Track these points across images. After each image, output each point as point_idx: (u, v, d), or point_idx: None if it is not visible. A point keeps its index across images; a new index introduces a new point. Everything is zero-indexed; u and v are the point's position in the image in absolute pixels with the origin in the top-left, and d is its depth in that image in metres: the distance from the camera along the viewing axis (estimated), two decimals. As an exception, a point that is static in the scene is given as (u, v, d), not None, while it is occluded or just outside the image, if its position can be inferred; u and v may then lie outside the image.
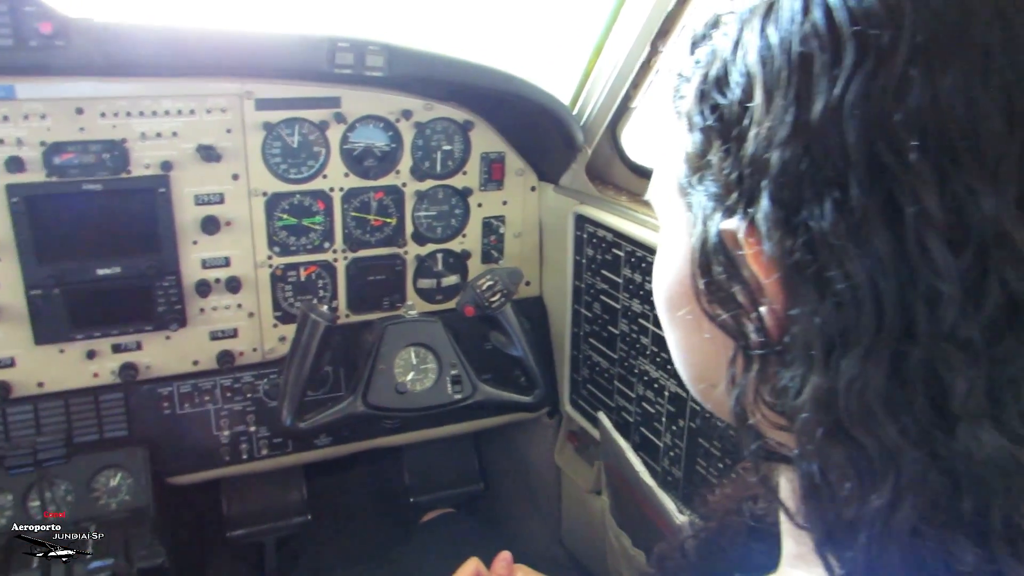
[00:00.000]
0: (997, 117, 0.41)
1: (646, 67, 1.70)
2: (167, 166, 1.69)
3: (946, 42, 0.42)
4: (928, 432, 0.44)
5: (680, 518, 1.46)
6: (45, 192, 1.60)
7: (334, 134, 1.83)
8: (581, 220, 1.85)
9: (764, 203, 0.47)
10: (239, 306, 1.85)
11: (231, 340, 1.86)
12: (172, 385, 1.83)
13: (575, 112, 1.91)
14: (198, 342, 1.83)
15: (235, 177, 1.76)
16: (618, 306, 1.74)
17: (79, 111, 1.60)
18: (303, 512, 2.22)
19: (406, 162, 1.92)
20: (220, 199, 1.76)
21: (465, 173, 1.99)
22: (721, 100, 0.51)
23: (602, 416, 1.83)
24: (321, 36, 1.65)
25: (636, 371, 1.70)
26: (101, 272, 1.68)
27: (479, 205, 2.03)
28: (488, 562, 1.27)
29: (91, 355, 1.73)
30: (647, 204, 1.15)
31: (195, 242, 1.76)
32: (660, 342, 1.60)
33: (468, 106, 1.94)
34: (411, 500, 2.35)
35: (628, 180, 1.93)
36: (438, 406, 1.85)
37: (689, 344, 0.61)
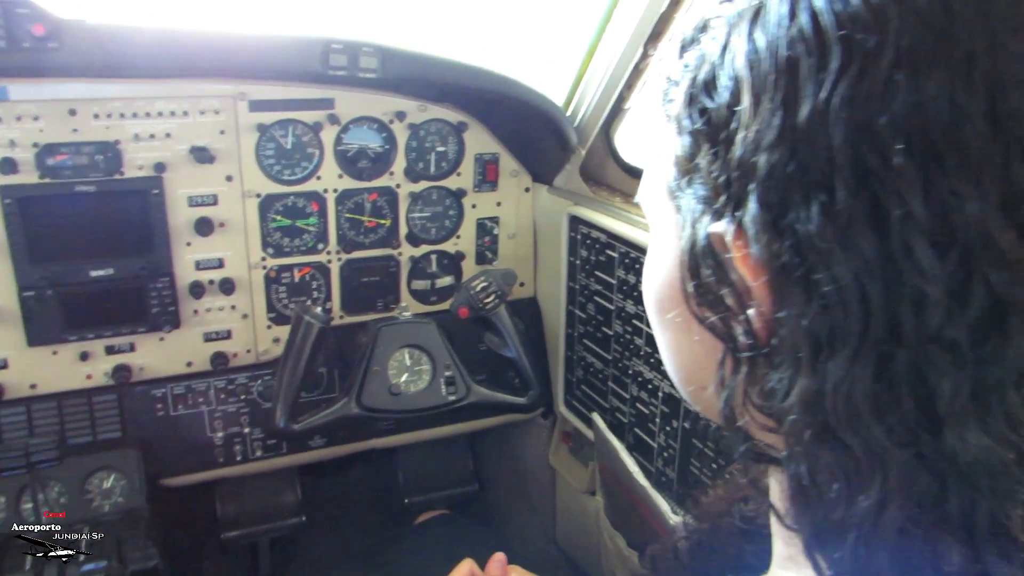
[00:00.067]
0: (981, 120, 0.41)
1: (639, 68, 1.70)
2: (160, 167, 1.68)
3: (931, 46, 0.42)
4: (914, 433, 0.44)
5: (674, 518, 1.46)
6: (38, 193, 1.60)
7: (328, 135, 1.83)
8: (575, 221, 1.85)
9: (752, 206, 0.47)
10: (233, 307, 1.85)
11: (225, 341, 1.86)
12: (166, 386, 1.83)
13: (569, 113, 1.91)
14: (192, 343, 1.83)
15: (229, 178, 1.76)
16: (612, 307, 1.74)
17: (72, 112, 1.60)
18: (297, 513, 2.21)
19: (400, 163, 1.92)
20: (214, 200, 1.76)
21: (459, 174, 1.99)
22: (709, 104, 0.51)
23: (596, 417, 1.83)
24: (315, 37, 1.65)
25: (630, 372, 1.71)
26: (94, 273, 1.68)
27: (473, 206, 2.03)
28: (483, 563, 1.26)
29: (84, 356, 1.73)
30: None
31: (188, 243, 1.76)
32: (654, 343, 1.60)
33: (462, 107, 1.94)
34: (405, 501, 2.35)
35: (622, 181, 1.93)
36: (432, 407, 1.85)
37: (678, 346, 0.62)
